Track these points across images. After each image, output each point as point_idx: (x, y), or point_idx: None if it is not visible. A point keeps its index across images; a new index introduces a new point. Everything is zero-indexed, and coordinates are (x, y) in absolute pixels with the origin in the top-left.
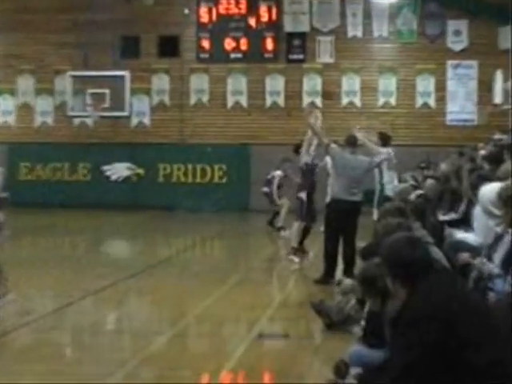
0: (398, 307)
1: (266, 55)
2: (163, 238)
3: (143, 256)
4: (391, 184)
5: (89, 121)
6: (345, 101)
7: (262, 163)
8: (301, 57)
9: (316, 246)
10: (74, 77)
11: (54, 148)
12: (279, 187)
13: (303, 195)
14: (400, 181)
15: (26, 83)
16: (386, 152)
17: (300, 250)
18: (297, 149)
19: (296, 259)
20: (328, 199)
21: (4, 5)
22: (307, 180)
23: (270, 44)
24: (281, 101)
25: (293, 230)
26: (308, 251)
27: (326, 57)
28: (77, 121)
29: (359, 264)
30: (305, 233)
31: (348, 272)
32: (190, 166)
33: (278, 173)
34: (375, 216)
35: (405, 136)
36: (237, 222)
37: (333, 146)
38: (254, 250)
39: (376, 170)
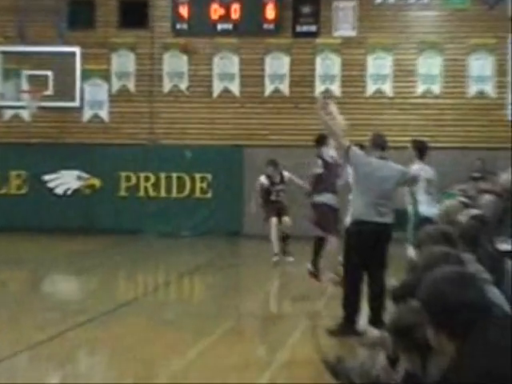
0: (444, 368)
1: (266, 26)
2: (126, 273)
3: (99, 297)
4: (428, 204)
5: (25, 113)
6: (371, 88)
7: (259, 171)
8: (312, 29)
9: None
10: (5, 53)
11: None
12: (268, 198)
13: (327, 199)
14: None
15: None
16: (419, 169)
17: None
18: (321, 140)
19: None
20: (348, 221)
21: None
22: (329, 178)
23: (270, 11)
24: (285, 88)
25: (329, 251)
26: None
27: (346, 29)
28: (8, 113)
29: (390, 309)
30: (319, 249)
31: (375, 319)
32: (162, 176)
33: (262, 179)
34: (411, 252)
35: (452, 136)
36: (225, 251)
37: (354, 149)
38: (247, 289)
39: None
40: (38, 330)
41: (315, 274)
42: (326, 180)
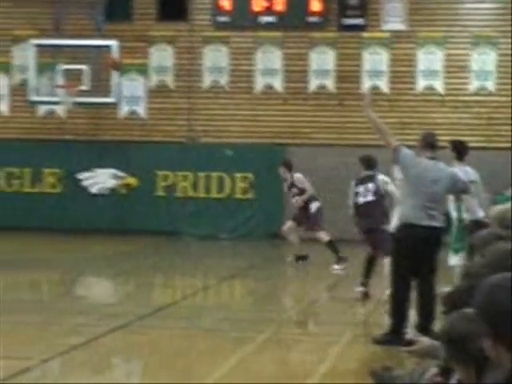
0: (501, 381)
1: (311, 19)
2: (163, 276)
3: (134, 301)
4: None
5: (60, 109)
6: (421, 85)
7: (303, 171)
8: (359, 22)
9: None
10: (40, 46)
11: (10, 146)
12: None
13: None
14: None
15: None
16: (458, 171)
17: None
18: (370, 161)
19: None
20: (395, 225)
21: None
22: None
23: (315, 3)
24: (330, 84)
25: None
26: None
27: (395, 22)
28: (43, 109)
29: (441, 317)
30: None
31: (425, 328)
32: (201, 175)
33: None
34: (452, 258)
35: (506, 136)
36: (266, 254)
37: (404, 149)
38: (289, 294)
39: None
40: (71, 334)
41: (366, 293)
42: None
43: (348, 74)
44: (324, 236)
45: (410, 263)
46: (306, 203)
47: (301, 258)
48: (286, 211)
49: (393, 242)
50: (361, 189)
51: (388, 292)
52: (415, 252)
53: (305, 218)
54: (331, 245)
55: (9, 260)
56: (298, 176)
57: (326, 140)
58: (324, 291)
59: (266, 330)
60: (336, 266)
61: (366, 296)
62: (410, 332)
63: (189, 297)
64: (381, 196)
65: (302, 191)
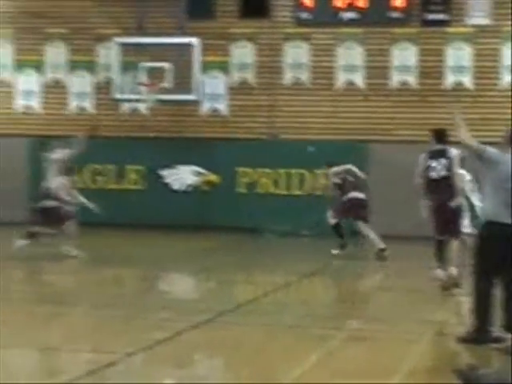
0: None
1: (393, 15)
2: (244, 273)
3: (215, 297)
4: None
5: (142, 107)
6: (506, 80)
7: (385, 168)
8: (442, 17)
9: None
10: (124, 45)
11: (94, 144)
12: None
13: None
14: None
15: (56, 54)
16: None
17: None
18: (442, 135)
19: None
20: (467, 225)
21: None
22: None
23: None
24: (413, 80)
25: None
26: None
27: (479, 17)
28: (126, 106)
29: None
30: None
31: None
32: (282, 172)
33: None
34: None
35: None
36: (348, 252)
37: (489, 149)
38: (372, 292)
39: None
40: (155, 329)
41: (456, 283)
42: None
43: (430, 70)
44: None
45: (493, 261)
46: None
47: (382, 251)
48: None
49: (475, 239)
50: (434, 163)
51: (454, 271)
52: (499, 250)
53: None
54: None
55: (93, 256)
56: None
57: (407, 136)
58: (405, 287)
59: (348, 326)
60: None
61: (451, 280)
62: (496, 330)
63: (270, 293)
64: (452, 172)
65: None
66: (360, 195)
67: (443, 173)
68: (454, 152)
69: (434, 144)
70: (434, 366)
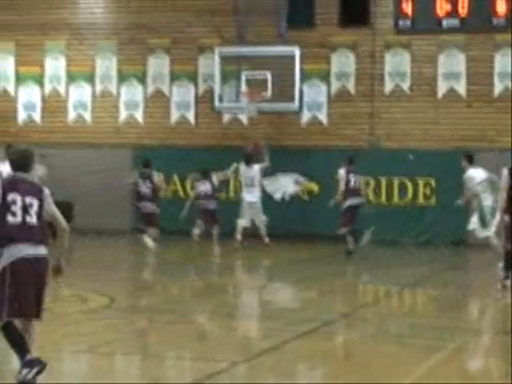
0: None
1: (495, 21)
2: (343, 283)
3: (318, 307)
4: None
5: (243, 116)
6: None
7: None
8: None
9: None
10: (225, 55)
11: (197, 153)
12: None
13: None
14: None
15: (158, 64)
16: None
17: None
18: None
19: None
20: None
21: None
22: None
23: (501, 4)
24: None
25: None
26: None
27: None
28: (227, 116)
29: None
30: None
31: None
32: (383, 180)
33: None
34: None
35: None
36: (450, 262)
37: None
38: (476, 302)
39: None
40: (259, 338)
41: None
42: None
43: None
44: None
45: None
46: None
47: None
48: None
49: None
50: None
51: None
52: None
53: None
54: None
55: (196, 264)
56: None
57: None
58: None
59: (453, 338)
60: None
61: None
62: None
63: (372, 303)
64: None
65: None
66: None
67: None
68: None
69: None
70: None
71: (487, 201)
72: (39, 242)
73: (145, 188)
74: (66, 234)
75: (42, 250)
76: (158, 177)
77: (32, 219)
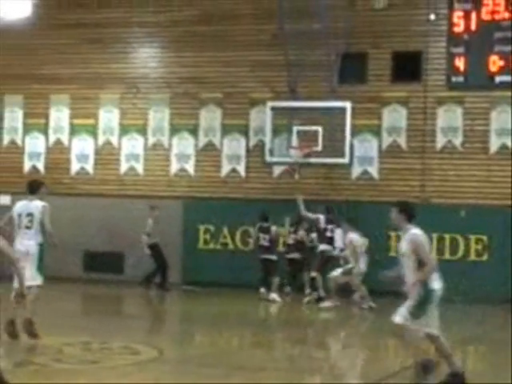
0: None
1: None
2: (385, 341)
3: (370, 363)
4: None
5: (294, 169)
6: None
7: None
8: None
9: None
10: (276, 109)
11: (247, 206)
12: None
13: None
14: None
15: (210, 117)
16: None
17: None
18: None
19: None
20: None
21: (182, 13)
22: None
23: None
24: None
25: None
26: None
27: None
28: (278, 169)
29: None
30: None
31: None
32: (434, 236)
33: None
34: None
35: None
36: (501, 322)
37: None
38: None
39: None
40: None
41: None
42: None
43: None
44: None
45: None
46: None
47: None
48: None
49: None
50: None
51: None
52: None
53: None
54: None
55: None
56: None
57: None
58: None
59: None
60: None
61: None
62: None
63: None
64: None
65: None
66: None
67: None
68: None
69: None
70: None
71: (362, 264)
72: None
73: (265, 242)
74: None
75: None
76: (275, 230)
77: None
